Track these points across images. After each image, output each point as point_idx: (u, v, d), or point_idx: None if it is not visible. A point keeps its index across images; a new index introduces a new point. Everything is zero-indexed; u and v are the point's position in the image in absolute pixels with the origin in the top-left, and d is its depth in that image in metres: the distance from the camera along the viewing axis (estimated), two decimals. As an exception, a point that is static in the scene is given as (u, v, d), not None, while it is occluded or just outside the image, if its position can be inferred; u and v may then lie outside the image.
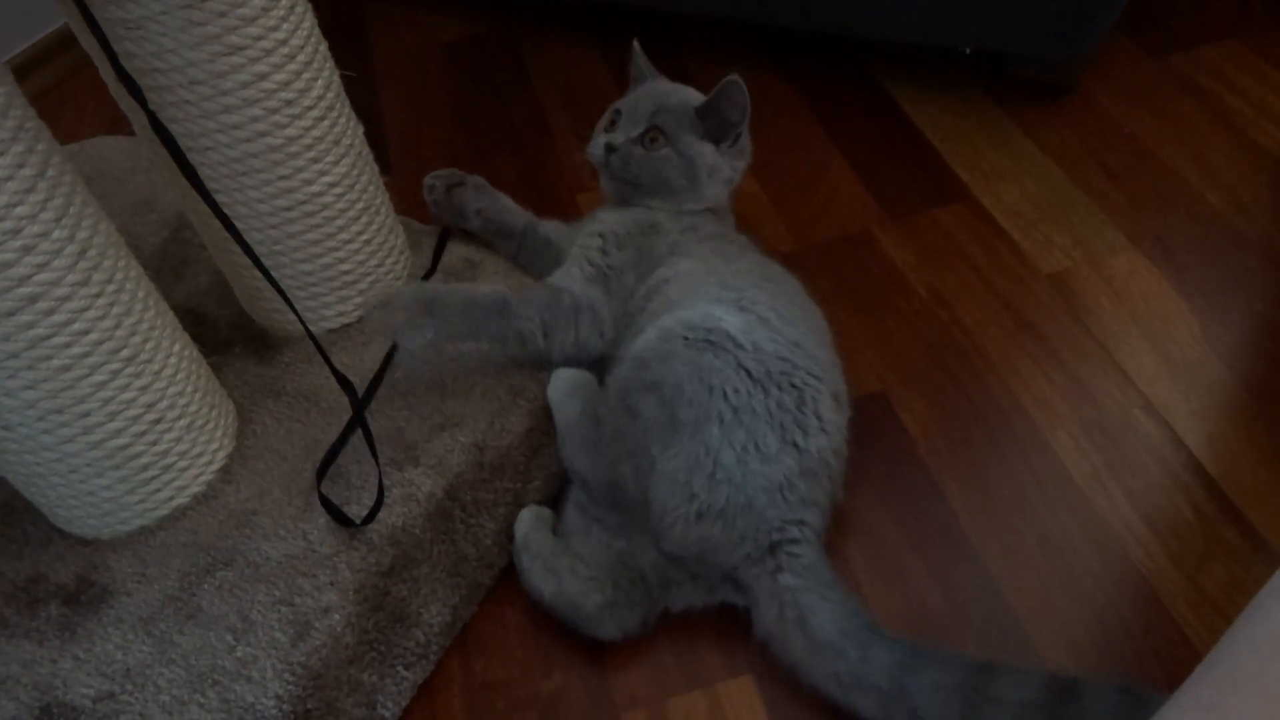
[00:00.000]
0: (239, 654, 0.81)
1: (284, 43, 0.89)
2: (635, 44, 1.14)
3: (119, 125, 1.38)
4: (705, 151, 1.05)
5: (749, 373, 0.86)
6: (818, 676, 0.81)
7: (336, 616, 0.83)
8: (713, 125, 1.04)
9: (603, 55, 1.62)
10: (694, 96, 1.08)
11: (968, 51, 1.34)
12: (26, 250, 0.74)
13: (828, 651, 0.80)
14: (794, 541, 0.84)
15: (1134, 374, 1.03)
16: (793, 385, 0.87)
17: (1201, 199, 1.20)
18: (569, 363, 1.00)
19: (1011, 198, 1.25)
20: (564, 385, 0.98)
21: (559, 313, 0.98)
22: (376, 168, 1.07)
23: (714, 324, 0.88)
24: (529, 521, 0.95)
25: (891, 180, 1.30)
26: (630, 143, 1.05)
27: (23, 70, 1.72)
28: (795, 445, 0.85)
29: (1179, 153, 1.26)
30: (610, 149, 1.06)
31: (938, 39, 1.33)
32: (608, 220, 1.07)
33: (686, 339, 0.88)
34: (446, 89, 1.60)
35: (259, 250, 0.99)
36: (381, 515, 0.89)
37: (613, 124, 1.09)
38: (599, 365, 1.01)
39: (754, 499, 0.84)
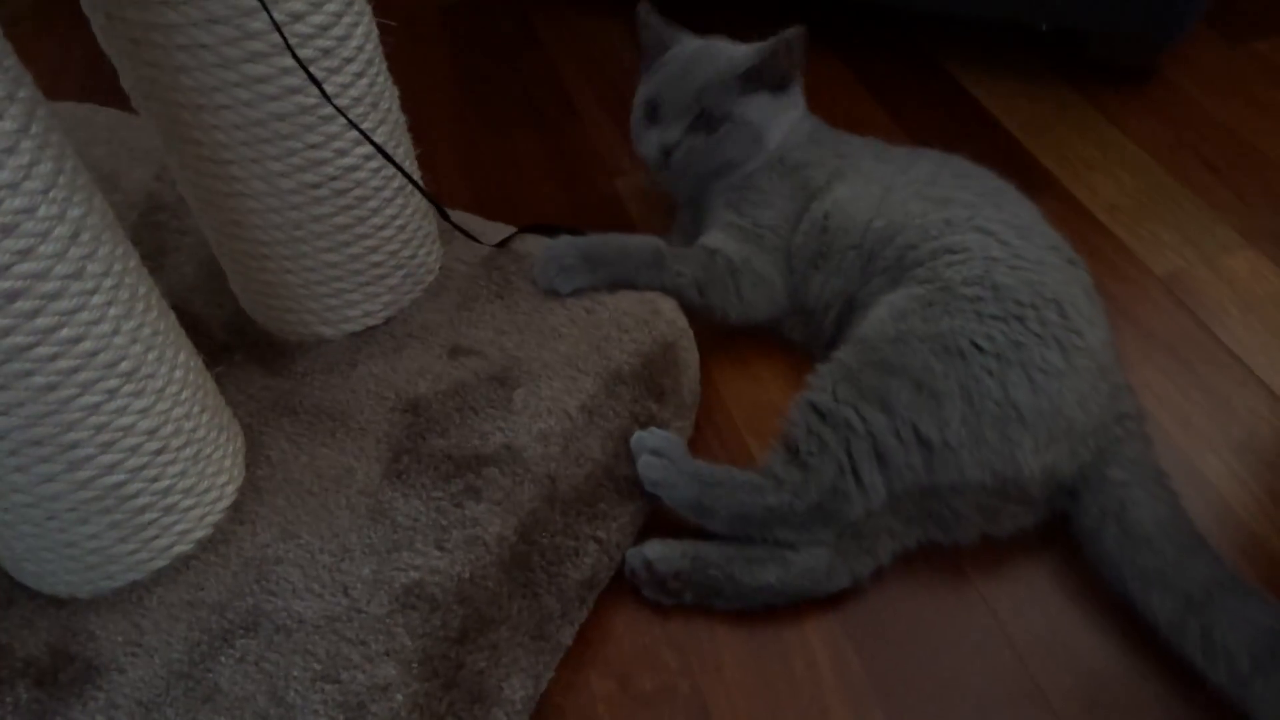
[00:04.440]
0: (274, 750, 0.64)
1: (325, -25, 0.71)
2: (642, 7, 1.06)
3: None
4: (764, 105, 0.99)
5: (996, 316, 0.80)
6: (1124, 570, 0.75)
7: (399, 697, 0.66)
8: (769, 79, 0.99)
9: (626, 25, 1.44)
10: (733, 53, 1.00)
11: (1044, 28, 1.22)
12: (5, 232, 0.55)
13: (1142, 545, 0.75)
14: (1119, 440, 0.80)
15: (1279, 389, 0.92)
16: (1046, 299, 0.81)
17: (1315, 195, 1.10)
18: (746, 321, 0.96)
19: (1108, 191, 1.13)
20: (658, 461, 0.82)
21: (714, 273, 0.94)
22: (410, 138, 0.90)
23: (947, 287, 0.82)
24: (666, 545, 0.81)
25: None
26: (686, 134, 0.98)
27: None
28: (1078, 349, 0.80)
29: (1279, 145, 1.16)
30: (667, 151, 0.99)
31: (1016, 16, 1.21)
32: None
33: (923, 315, 0.81)
34: (448, 58, 1.42)
35: (277, 237, 0.81)
36: (443, 565, 0.72)
37: (653, 113, 1.01)
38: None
39: (1072, 416, 0.78)
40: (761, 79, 0.98)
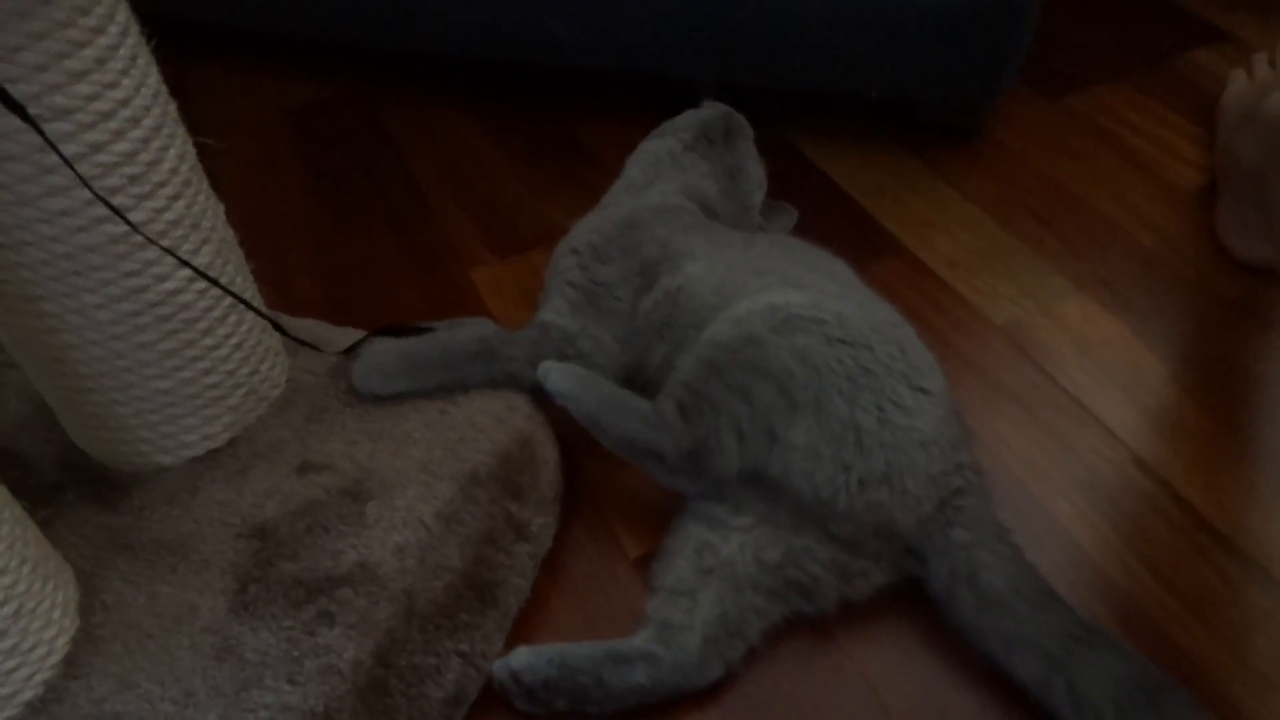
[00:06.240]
0: None
1: (125, 103, 0.69)
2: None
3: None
4: None
5: (843, 340, 0.80)
6: (986, 635, 0.76)
7: None
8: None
9: (476, 116, 1.46)
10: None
11: (874, 97, 1.28)
12: None
13: (998, 609, 0.76)
14: (960, 492, 0.80)
15: (1116, 428, 0.96)
16: (887, 338, 0.82)
17: (1134, 240, 1.16)
18: None
19: (946, 248, 1.18)
20: (570, 377, 0.86)
21: (548, 348, 0.92)
22: (242, 253, 0.87)
23: (783, 307, 0.82)
24: (532, 653, 0.78)
25: (813, 235, 1.20)
26: None
27: None
28: (923, 390, 0.81)
29: (1100, 194, 1.23)
30: None
31: (847, 87, 1.27)
32: (580, 233, 1.00)
33: (769, 325, 0.82)
34: (297, 161, 1.40)
35: (100, 369, 0.78)
36: (295, 701, 0.69)
37: None
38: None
39: (914, 457, 0.78)
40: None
